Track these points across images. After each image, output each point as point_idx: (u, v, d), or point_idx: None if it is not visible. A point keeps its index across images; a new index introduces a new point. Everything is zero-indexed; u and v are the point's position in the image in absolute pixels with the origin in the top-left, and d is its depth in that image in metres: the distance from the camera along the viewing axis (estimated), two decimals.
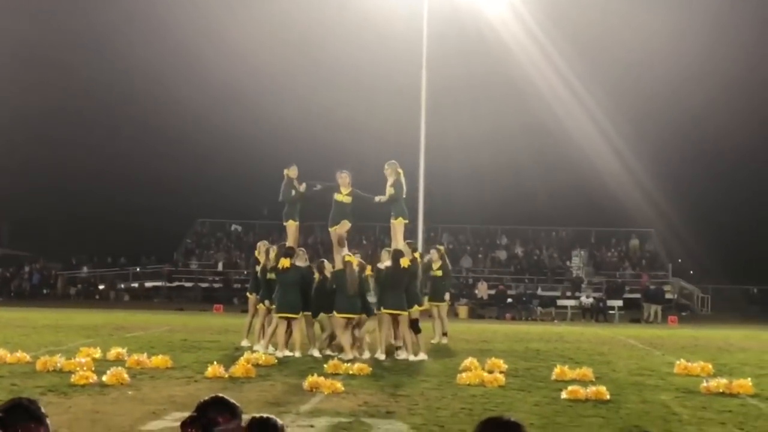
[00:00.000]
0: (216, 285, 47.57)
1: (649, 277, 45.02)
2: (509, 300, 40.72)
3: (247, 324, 19.65)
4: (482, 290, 42.71)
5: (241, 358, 14.84)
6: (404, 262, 16.85)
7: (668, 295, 43.27)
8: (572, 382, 13.18)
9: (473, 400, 11.68)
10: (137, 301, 45.58)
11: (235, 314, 32.32)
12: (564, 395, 11.89)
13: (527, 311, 39.45)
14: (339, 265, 17.29)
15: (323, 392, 11.98)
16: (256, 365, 14.52)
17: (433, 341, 20.52)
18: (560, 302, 41.31)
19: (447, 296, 21.63)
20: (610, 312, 39.11)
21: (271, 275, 17.98)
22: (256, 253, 19.41)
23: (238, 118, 53.57)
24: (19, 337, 20.20)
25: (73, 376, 12.54)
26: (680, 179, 53.07)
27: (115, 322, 27.01)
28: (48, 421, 3.64)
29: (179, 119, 54.71)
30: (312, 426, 9.59)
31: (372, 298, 17.91)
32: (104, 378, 12.43)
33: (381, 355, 16.80)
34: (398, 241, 17.83)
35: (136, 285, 49.23)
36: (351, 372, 14.09)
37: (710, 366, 15.30)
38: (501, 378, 13.43)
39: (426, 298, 20.54)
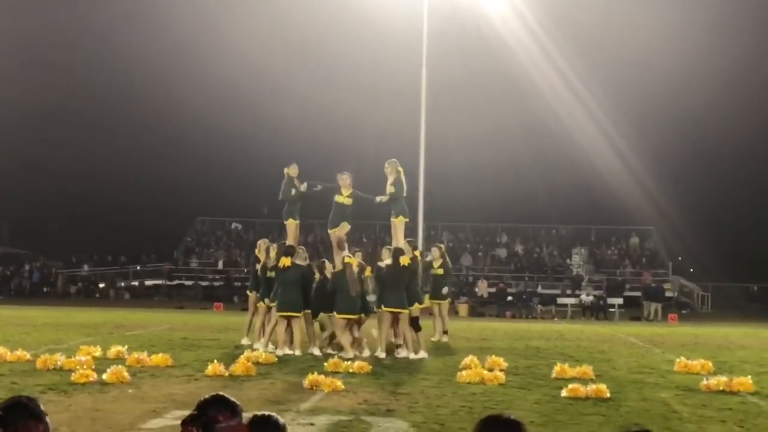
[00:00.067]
0: (216, 283, 47.57)
1: (650, 276, 44.98)
2: (509, 298, 40.70)
3: (247, 322, 19.66)
4: (482, 288, 42.70)
5: (242, 356, 14.85)
6: (404, 260, 16.86)
7: (668, 293, 43.27)
8: (572, 380, 13.20)
9: (473, 398, 11.69)
10: (137, 299, 45.56)
11: (235, 312, 32.32)
12: (564, 393, 11.89)
13: (527, 309, 39.44)
14: (339, 267, 17.30)
15: (323, 390, 11.99)
16: (257, 363, 14.52)
17: (433, 339, 20.53)
18: (560, 300, 41.27)
19: (446, 290, 21.53)
20: (611, 310, 39.10)
21: (271, 274, 17.99)
22: (257, 251, 19.43)
23: (238, 117, 53.59)
24: (20, 335, 20.21)
25: (73, 374, 12.55)
26: (680, 177, 53.10)
27: (115, 320, 27.01)
28: (48, 419, 3.64)
29: (179, 118, 54.71)
30: (312, 424, 9.60)
31: (371, 298, 17.90)
32: (104, 376, 12.44)
33: (381, 354, 16.81)
34: (399, 240, 17.84)
35: (136, 283, 49.22)
36: (351, 370, 14.09)
37: (710, 364, 15.29)
38: (501, 376, 13.42)
39: (427, 296, 20.56)
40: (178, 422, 3.79)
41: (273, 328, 17.51)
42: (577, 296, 41.36)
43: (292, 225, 18.45)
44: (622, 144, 49.98)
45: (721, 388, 12.67)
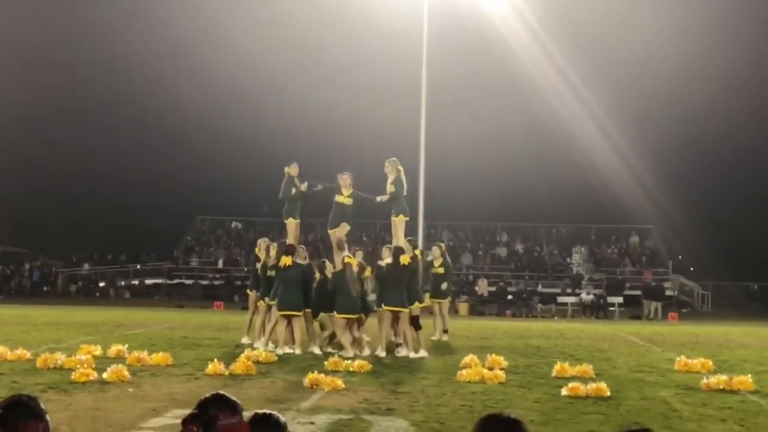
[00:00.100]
0: (216, 282, 47.57)
1: (651, 275, 44.97)
2: (509, 297, 40.71)
3: (247, 321, 19.66)
4: (482, 287, 42.70)
5: (242, 355, 14.85)
6: (404, 259, 16.87)
7: (668, 292, 43.25)
8: (572, 378, 13.20)
9: (473, 397, 11.69)
10: (138, 298, 45.59)
11: (235, 311, 32.32)
12: (564, 392, 11.90)
13: (527, 308, 39.45)
14: (339, 267, 17.31)
15: (324, 389, 11.99)
16: (257, 362, 14.53)
17: (433, 338, 20.53)
18: (560, 299, 41.27)
19: (444, 285, 21.47)
20: (611, 309, 39.10)
21: (271, 272, 17.98)
22: (257, 250, 19.42)
23: (238, 117, 53.62)
24: (20, 334, 20.21)
25: (73, 373, 12.55)
26: (680, 176, 53.12)
27: (115, 319, 27.02)
28: (48, 417, 3.65)
29: (179, 117, 54.74)
30: (312, 423, 9.61)
31: (371, 297, 17.92)
32: (105, 375, 12.44)
33: (381, 352, 16.82)
34: (399, 239, 17.85)
35: (136, 282, 49.22)
36: (351, 369, 14.09)
37: (710, 363, 15.29)
38: (501, 375, 13.43)
39: (427, 295, 20.56)
40: (179, 421, 3.80)
41: (273, 327, 17.52)
42: (578, 295, 41.35)
43: (292, 224, 18.45)
44: (622, 143, 50.01)
45: (721, 387, 12.67)
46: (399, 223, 18.00)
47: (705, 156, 53.82)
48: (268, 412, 3.74)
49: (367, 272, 17.81)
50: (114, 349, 15.59)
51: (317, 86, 50.89)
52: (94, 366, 13.19)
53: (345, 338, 16.80)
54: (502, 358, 15.05)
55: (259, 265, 18.89)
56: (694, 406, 11.33)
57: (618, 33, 48.88)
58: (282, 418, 3.71)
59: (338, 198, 18.01)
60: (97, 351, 15.46)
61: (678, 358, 15.62)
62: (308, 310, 17.69)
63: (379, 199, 18.00)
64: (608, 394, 11.85)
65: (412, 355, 16.69)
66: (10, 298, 42.87)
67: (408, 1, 34.36)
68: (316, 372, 12.68)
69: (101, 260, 52.09)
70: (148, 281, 49.17)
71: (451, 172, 48.21)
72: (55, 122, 56.31)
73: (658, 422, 9.95)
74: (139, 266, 50.95)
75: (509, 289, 42.15)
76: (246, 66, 50.92)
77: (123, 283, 49.21)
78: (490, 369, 13.88)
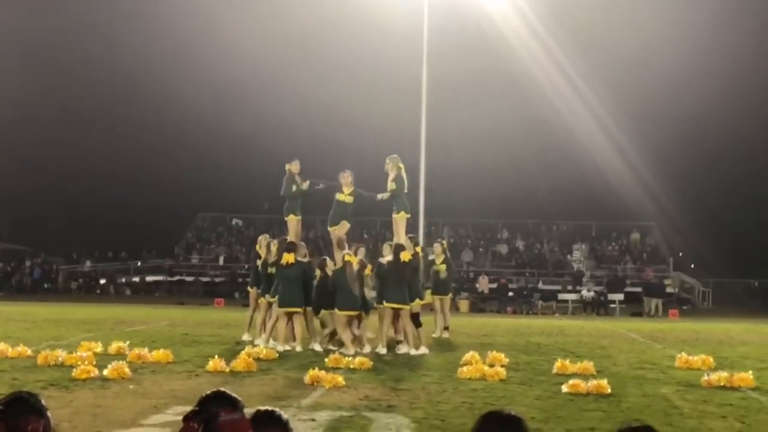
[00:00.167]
0: (217, 279, 47.58)
1: (653, 272, 44.93)
2: (510, 294, 40.70)
3: (248, 318, 19.66)
4: (483, 284, 42.70)
5: (242, 352, 14.86)
6: (405, 256, 16.87)
7: (669, 289, 43.19)
8: (573, 375, 13.20)
9: (474, 394, 11.69)
10: (138, 295, 45.61)
11: (236, 308, 32.34)
12: (565, 389, 11.90)
13: (528, 305, 39.45)
14: (340, 264, 17.31)
15: (324, 386, 12.00)
16: (257, 359, 14.54)
17: (434, 335, 20.54)
18: (561, 296, 41.26)
19: (444, 275, 21.39)
20: (611, 306, 39.09)
21: (272, 269, 17.97)
22: (257, 247, 19.41)
23: (239, 114, 53.61)
24: (21, 331, 20.22)
25: (74, 370, 12.56)
26: (681, 173, 53.10)
27: (116, 316, 27.03)
28: (49, 414, 3.65)
29: (180, 115, 54.76)
30: (313, 420, 9.61)
31: (371, 294, 17.91)
32: (105, 372, 12.45)
33: (382, 350, 16.82)
34: (400, 236, 17.87)
35: (137, 279, 49.23)
36: (352, 366, 14.09)
37: (711, 359, 15.30)
38: (502, 372, 13.43)
39: (428, 292, 20.55)
40: (180, 418, 3.80)
41: (274, 324, 17.53)
42: (578, 292, 41.35)
43: (293, 221, 18.45)
44: (623, 140, 50.01)
45: (721, 384, 12.68)
46: (400, 220, 18.02)
47: (706, 153, 53.84)
48: (270, 409, 3.74)
49: (368, 270, 17.81)
50: (115, 346, 15.61)
51: (318, 84, 50.92)
52: (94, 363, 13.21)
53: (346, 335, 16.81)
54: (502, 355, 15.06)
55: (259, 262, 18.88)
56: (695, 403, 11.33)
57: (619, 31, 48.90)
58: (284, 415, 3.71)
59: (339, 196, 18.02)
60: (98, 348, 15.48)
61: (679, 355, 15.63)
62: (309, 308, 17.69)
63: (380, 196, 18.02)
64: (609, 391, 11.85)
65: (413, 352, 16.70)
66: (11, 295, 42.87)
67: None
68: (316, 369, 12.68)
69: (102, 257, 52.13)
70: (149, 278, 49.18)
71: (451, 170, 48.23)
72: (57, 120, 56.37)
73: (658, 419, 9.96)
74: (139, 263, 50.99)
75: (510, 286, 42.14)
76: (246, 64, 50.94)
77: (124, 280, 49.24)
78: (491, 366, 13.88)
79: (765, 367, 15.56)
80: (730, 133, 52.15)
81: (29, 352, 14.87)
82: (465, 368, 13.60)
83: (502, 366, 14.10)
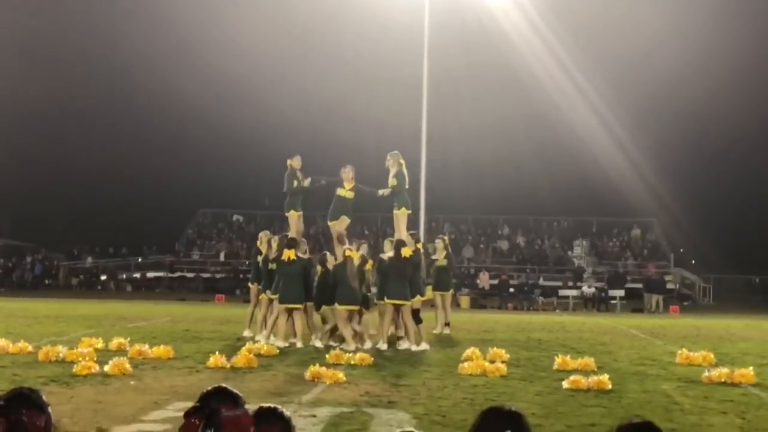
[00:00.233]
0: (218, 275, 47.59)
1: (655, 268, 44.93)
2: (511, 290, 40.72)
3: (249, 314, 19.65)
4: (484, 280, 42.73)
5: (243, 348, 14.86)
6: (406, 252, 16.87)
7: (670, 285, 43.23)
8: (574, 371, 13.20)
9: (475, 390, 11.69)
10: (139, 291, 45.64)
11: (237, 304, 32.35)
12: (566, 385, 11.90)
13: (529, 301, 39.47)
14: (341, 259, 17.31)
15: (325, 382, 12.00)
16: (258, 355, 14.54)
17: (434, 331, 20.54)
18: (562, 292, 41.30)
19: (445, 262, 21.36)
20: (612, 302, 39.12)
21: (273, 266, 17.97)
22: (258, 243, 19.40)
23: (239, 110, 53.58)
24: (22, 327, 20.22)
25: (75, 366, 12.56)
26: (682, 169, 53.09)
27: (117, 312, 27.04)
28: (50, 410, 3.64)
29: (181, 111, 54.72)
30: (314, 416, 9.61)
31: (372, 290, 17.93)
32: (106, 368, 12.46)
33: (383, 345, 16.82)
34: (401, 232, 17.87)
35: (138, 275, 49.23)
36: (353, 362, 14.10)
37: (712, 355, 15.30)
38: (503, 368, 13.43)
39: (429, 288, 20.55)
40: (180, 414, 3.79)
41: (275, 320, 17.53)
42: (579, 288, 41.39)
43: (294, 217, 18.45)
44: (624, 136, 49.99)
45: (722, 380, 12.67)
46: (401, 216, 18.02)
47: (707, 149, 53.80)
48: (272, 406, 3.74)
49: (368, 265, 17.81)
50: (115, 342, 15.61)
51: (318, 79, 50.91)
52: (95, 359, 13.22)
53: (347, 331, 16.81)
54: (503, 351, 15.06)
55: (260, 259, 18.88)
56: (696, 398, 11.33)
57: (620, 27, 48.88)
58: (286, 413, 3.71)
59: (340, 191, 18.02)
60: (99, 344, 15.48)
61: (679, 351, 15.63)
62: (309, 304, 17.69)
63: (381, 192, 18.01)
64: (610, 387, 11.85)
65: (414, 348, 16.70)
66: (12, 291, 42.89)
67: None
68: (317, 365, 12.69)
69: (103, 253, 52.14)
70: (150, 274, 49.16)
71: (452, 166, 48.23)
72: (58, 117, 56.33)
73: (659, 415, 9.96)
74: (140, 259, 50.99)
75: (511, 282, 42.16)
76: (246, 60, 50.90)
77: (124, 276, 49.25)
78: (492, 362, 13.89)
79: (765, 363, 15.56)
80: (732, 129, 52.14)
81: (30, 348, 14.87)
82: (466, 364, 13.61)
83: (503, 362, 14.10)
